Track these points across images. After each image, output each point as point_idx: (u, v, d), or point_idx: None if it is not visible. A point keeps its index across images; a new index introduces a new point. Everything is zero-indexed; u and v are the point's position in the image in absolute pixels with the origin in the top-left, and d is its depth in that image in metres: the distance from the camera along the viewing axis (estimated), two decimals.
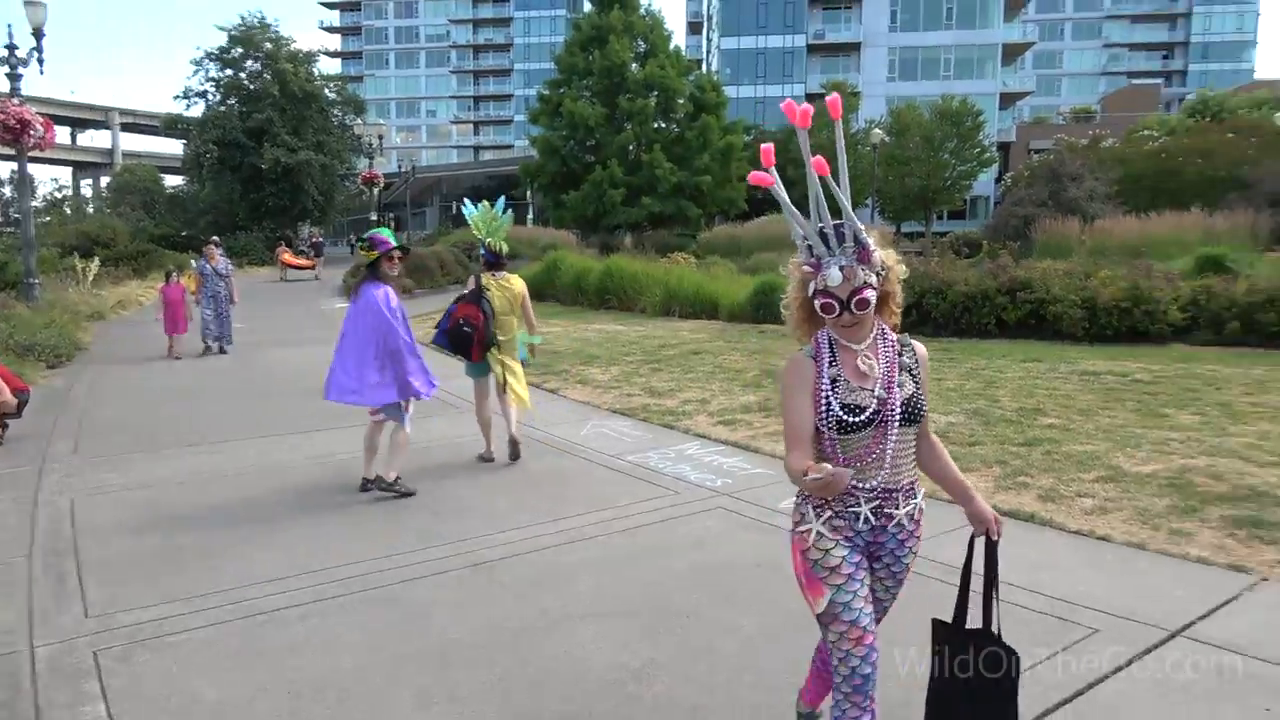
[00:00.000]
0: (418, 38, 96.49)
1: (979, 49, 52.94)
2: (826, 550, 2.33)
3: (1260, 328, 10.89)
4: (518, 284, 6.58)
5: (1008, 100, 56.36)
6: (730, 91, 43.17)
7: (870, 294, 2.29)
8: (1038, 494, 5.35)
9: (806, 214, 2.32)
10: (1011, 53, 56.31)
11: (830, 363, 2.34)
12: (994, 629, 2.42)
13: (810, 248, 2.32)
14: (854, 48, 54.26)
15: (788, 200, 2.32)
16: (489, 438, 6.59)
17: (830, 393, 2.30)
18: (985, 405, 7.83)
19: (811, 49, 54.66)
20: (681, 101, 38.79)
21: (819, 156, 2.24)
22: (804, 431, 2.29)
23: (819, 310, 2.33)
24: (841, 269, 2.27)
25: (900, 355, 2.39)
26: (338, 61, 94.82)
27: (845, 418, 2.29)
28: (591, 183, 36.59)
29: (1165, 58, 78.33)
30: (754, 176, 2.28)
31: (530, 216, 43.70)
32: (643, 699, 3.18)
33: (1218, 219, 21.59)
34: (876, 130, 39.65)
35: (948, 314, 12.74)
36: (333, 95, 45.07)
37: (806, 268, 2.33)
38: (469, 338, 6.23)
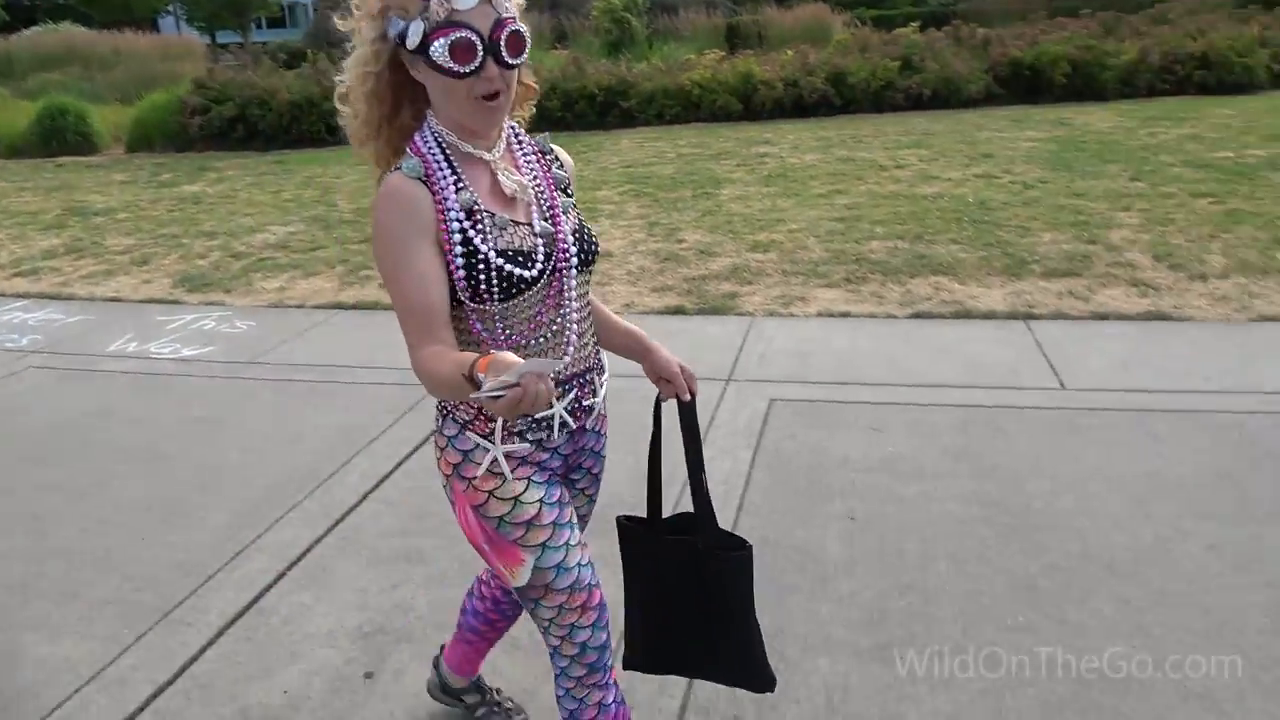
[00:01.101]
0: None
1: None
2: (515, 499, 1.48)
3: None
4: None
5: None
6: None
7: (525, 33, 1.35)
8: (379, 283, 5.64)
9: None
10: None
11: (457, 185, 1.39)
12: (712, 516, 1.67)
13: None
14: None
15: None
16: None
17: (471, 232, 1.37)
18: (324, 211, 7.88)
19: None
20: None
21: None
22: (438, 306, 1.37)
23: (443, 62, 1.29)
24: None
25: (549, 168, 1.54)
26: None
27: (511, 270, 1.39)
28: None
29: None
30: None
31: None
32: None
33: None
34: None
35: (276, 125, 12.36)
36: None
37: None
38: None
